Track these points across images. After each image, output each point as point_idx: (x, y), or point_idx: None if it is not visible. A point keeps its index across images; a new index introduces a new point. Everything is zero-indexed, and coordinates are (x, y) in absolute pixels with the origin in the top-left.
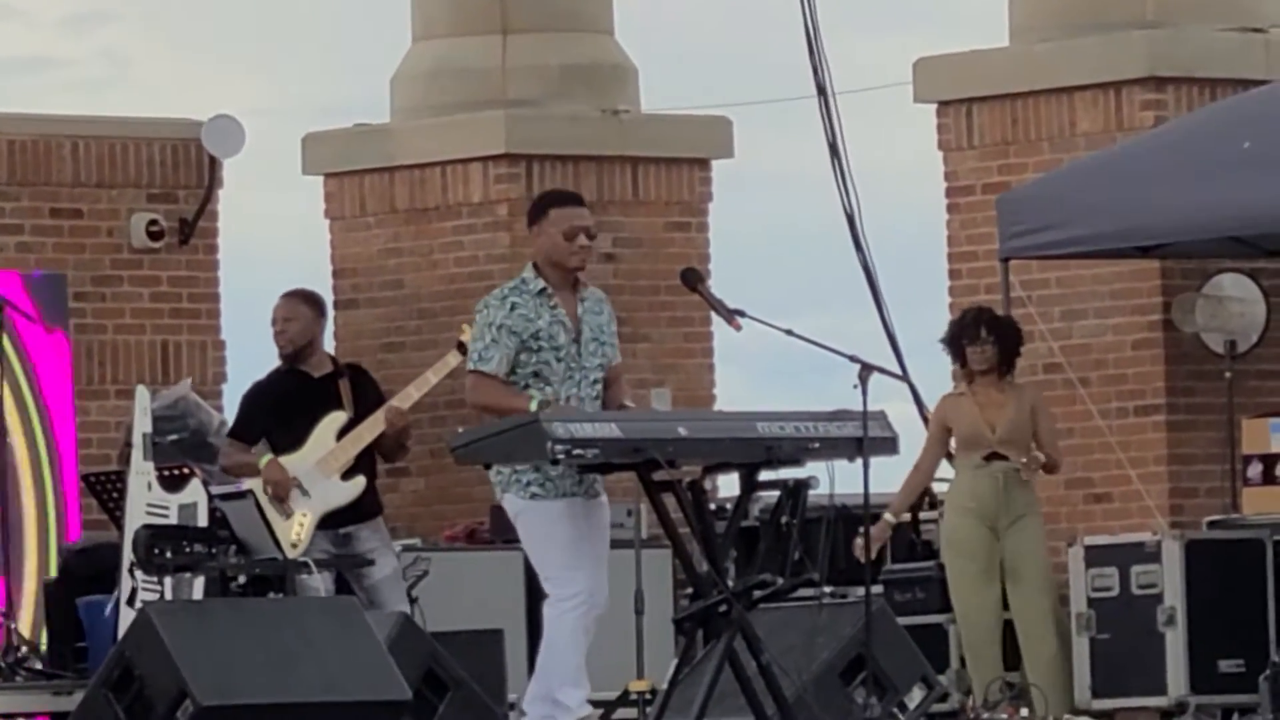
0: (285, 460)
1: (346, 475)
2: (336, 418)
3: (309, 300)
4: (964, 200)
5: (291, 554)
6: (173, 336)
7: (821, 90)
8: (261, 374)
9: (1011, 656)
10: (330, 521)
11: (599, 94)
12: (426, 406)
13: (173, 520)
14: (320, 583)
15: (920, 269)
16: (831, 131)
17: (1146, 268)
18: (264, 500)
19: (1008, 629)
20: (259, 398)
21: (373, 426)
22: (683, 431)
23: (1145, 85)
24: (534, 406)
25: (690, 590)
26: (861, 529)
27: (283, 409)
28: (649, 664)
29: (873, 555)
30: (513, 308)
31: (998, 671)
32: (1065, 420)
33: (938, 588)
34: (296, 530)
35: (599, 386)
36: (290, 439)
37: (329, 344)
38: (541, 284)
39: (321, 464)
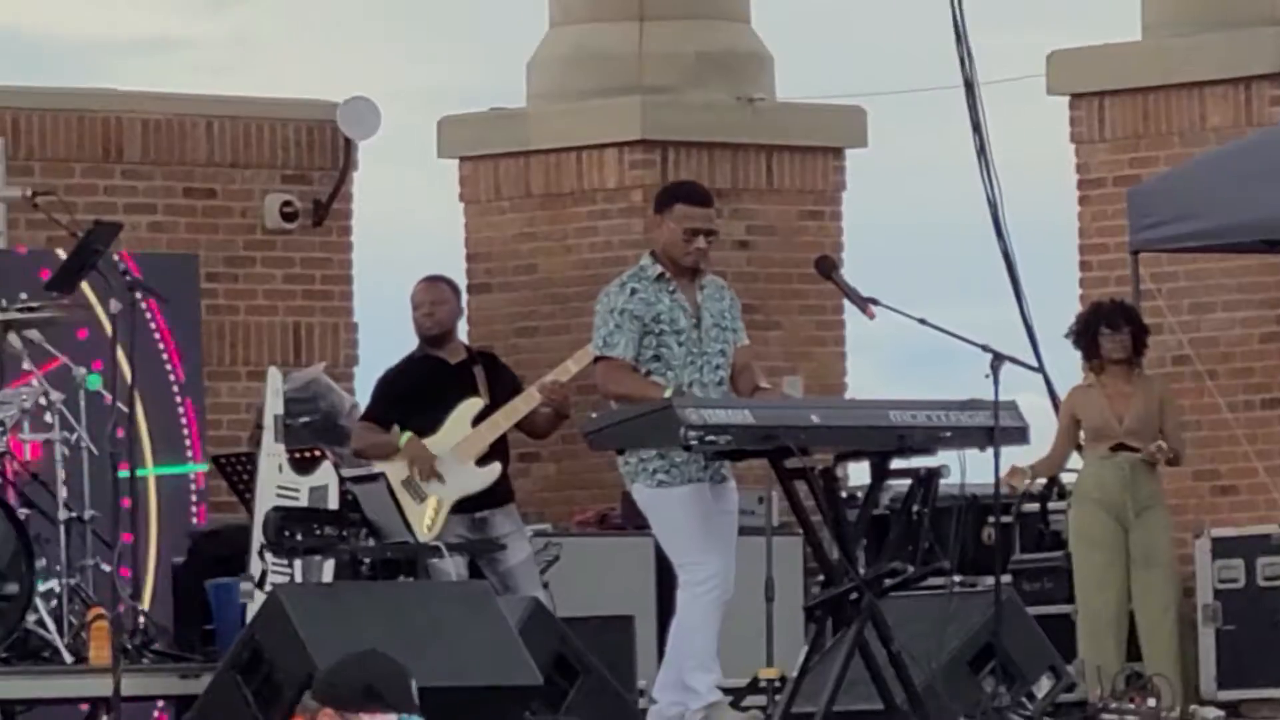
0: None
1: (482, 461)
2: (473, 404)
3: (452, 286)
4: (1095, 193)
5: (425, 538)
6: (305, 318)
7: (969, 84)
8: (393, 357)
9: (1134, 647)
10: (465, 506)
11: (734, 81)
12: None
13: (303, 503)
14: (453, 567)
15: (1051, 261)
16: (976, 122)
17: (1274, 262)
18: (396, 486)
19: (1131, 620)
20: (394, 383)
21: (510, 414)
22: (815, 419)
23: (1274, 81)
24: (668, 394)
25: (821, 578)
26: (992, 518)
27: (418, 395)
28: (779, 651)
29: (1004, 490)
30: (632, 292)
31: (1121, 662)
32: (1193, 413)
33: (1065, 578)
34: (431, 515)
35: (722, 373)
36: (425, 424)
37: (461, 328)
38: (659, 270)
39: (458, 449)
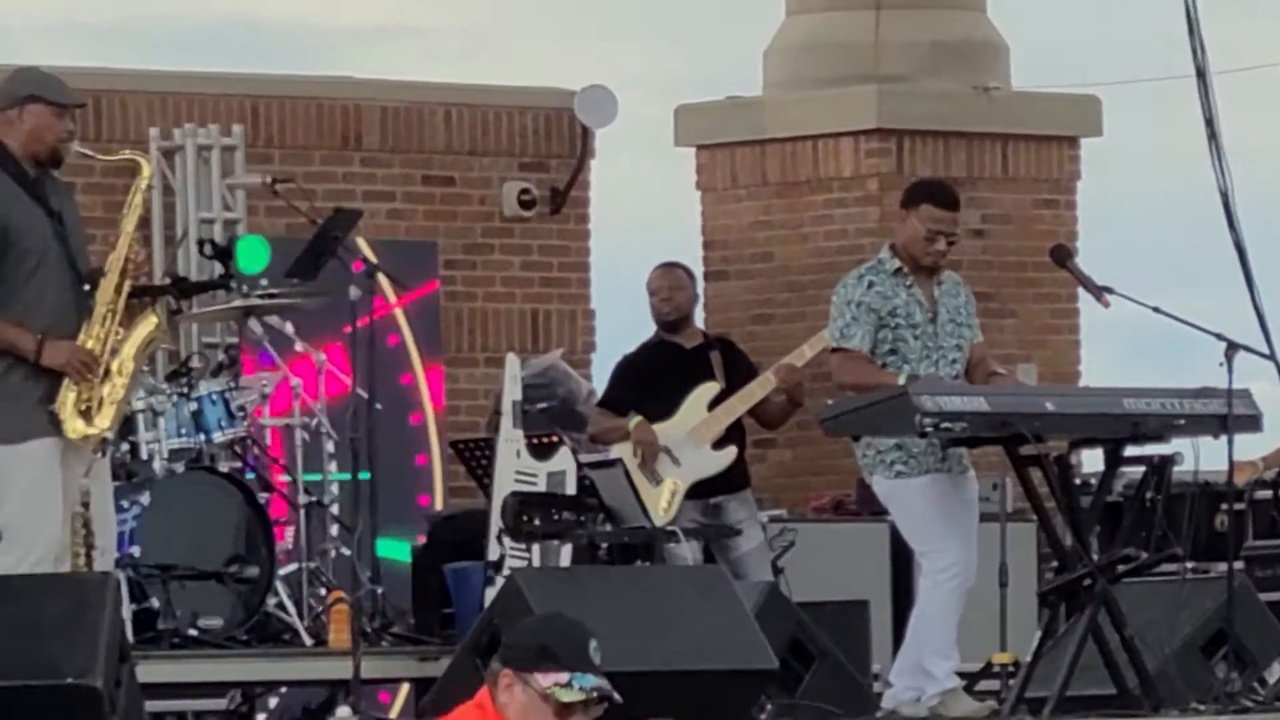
0: (657, 428)
1: (718, 445)
2: (709, 388)
3: (688, 273)
4: None
5: (661, 521)
6: (542, 305)
7: (1200, 73)
8: (630, 344)
9: None
10: (700, 491)
11: (970, 70)
12: None
13: (541, 488)
14: (689, 552)
15: None
16: (1208, 111)
17: None
18: (633, 470)
19: None
20: (631, 369)
21: (746, 398)
22: (1050, 406)
23: None
24: (902, 380)
25: (1055, 564)
26: (1225, 505)
27: (655, 380)
28: (1012, 636)
29: (1239, 484)
30: (870, 285)
31: None
32: None
33: None
34: (666, 498)
35: (957, 367)
36: (662, 409)
37: (698, 315)
38: (898, 264)
39: (694, 433)
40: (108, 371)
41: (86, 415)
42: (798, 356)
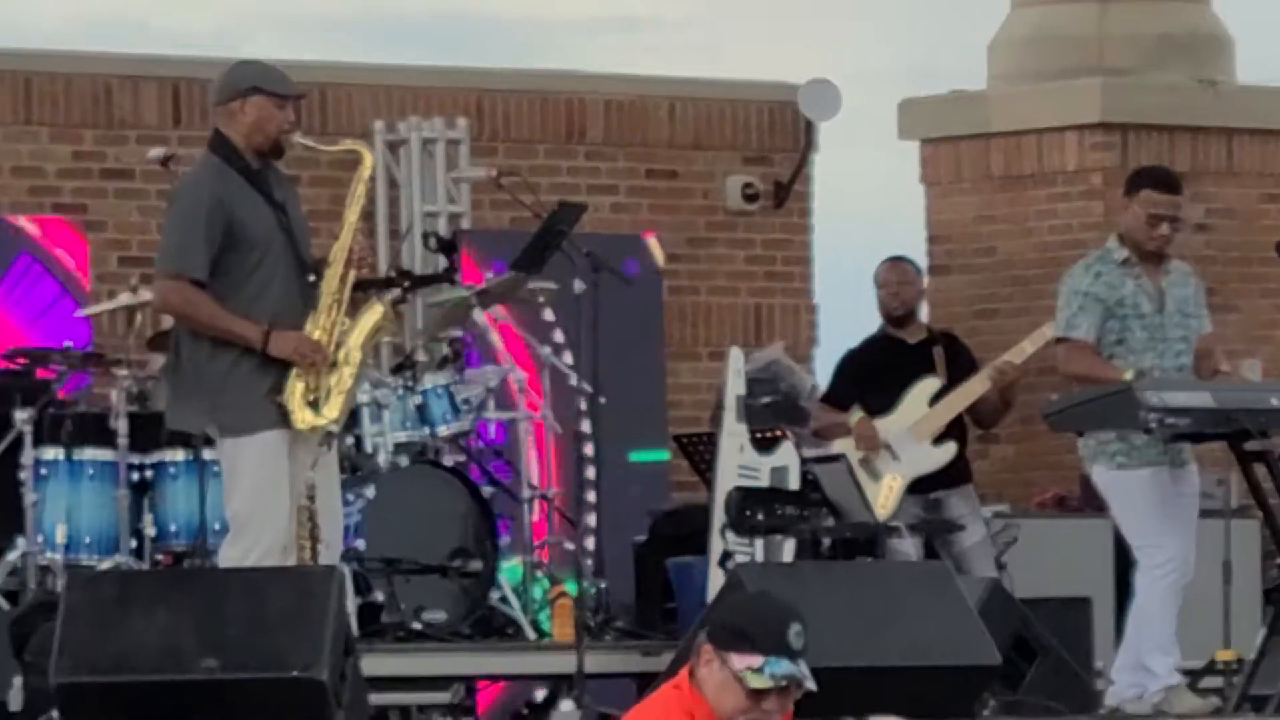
0: (877, 423)
1: (938, 441)
2: (930, 383)
3: (916, 267)
4: None
5: (880, 516)
6: (765, 299)
7: None
8: (852, 338)
9: None
10: (920, 486)
11: (1195, 64)
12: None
13: (764, 482)
14: (911, 547)
15: None
16: None
17: None
18: (855, 464)
19: None
20: (854, 363)
21: (966, 393)
22: (1275, 402)
23: None
24: (1128, 376)
25: (1279, 560)
26: None
27: (877, 374)
28: (1236, 634)
29: None
30: (1097, 275)
31: None
32: None
33: None
34: (886, 493)
35: (1183, 359)
36: (883, 404)
37: (922, 308)
38: (1125, 254)
39: (914, 428)
40: (335, 361)
41: (314, 405)
42: (1017, 353)
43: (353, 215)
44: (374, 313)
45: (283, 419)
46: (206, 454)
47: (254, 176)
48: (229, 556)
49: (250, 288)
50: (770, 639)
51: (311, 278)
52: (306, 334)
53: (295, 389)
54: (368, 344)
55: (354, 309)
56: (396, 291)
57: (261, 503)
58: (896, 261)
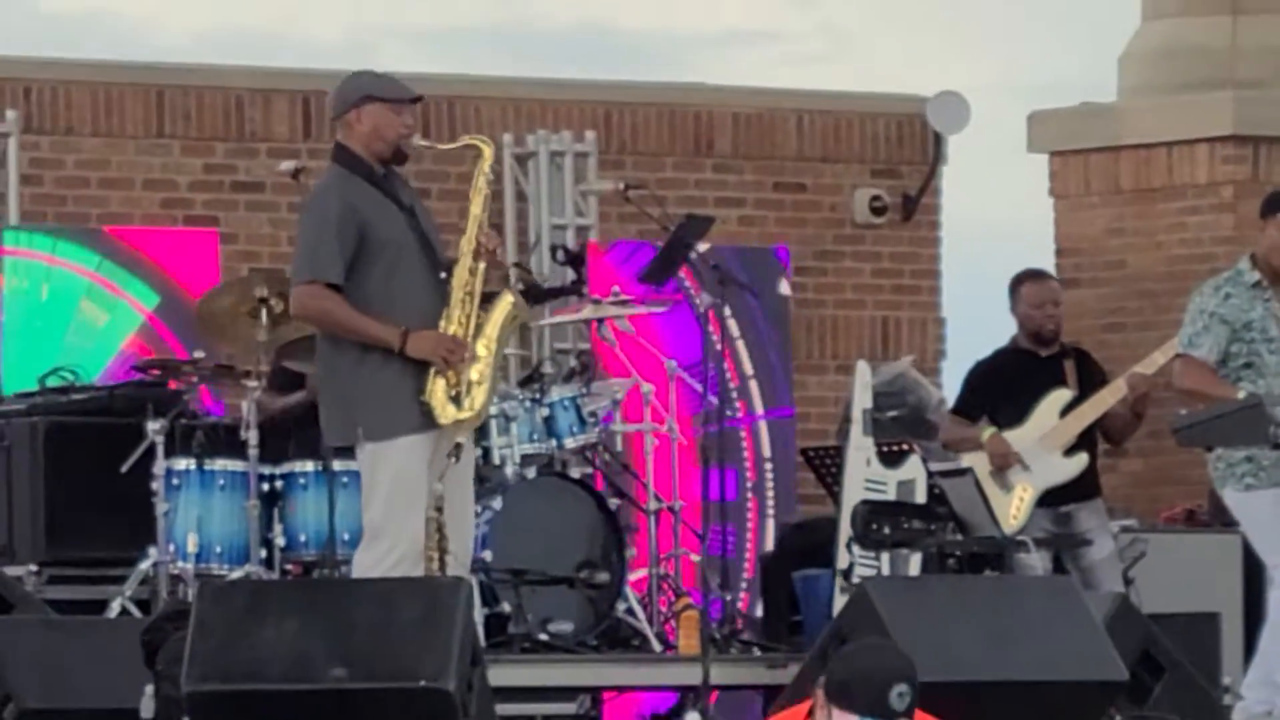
0: (1008, 435)
1: (1069, 453)
2: (1061, 395)
3: (1059, 283)
4: None
5: (1010, 528)
6: (893, 313)
7: None
8: (980, 352)
9: None
10: (1050, 499)
11: None
12: None
13: (891, 496)
14: (1038, 561)
15: None
16: None
17: None
18: (983, 477)
19: None
20: (984, 375)
21: (1097, 405)
22: None
23: None
24: (1242, 394)
25: None
26: None
27: (1008, 386)
28: None
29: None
30: (1226, 297)
31: None
32: None
33: None
34: (1016, 505)
35: None
36: (1014, 416)
37: None
38: (1257, 276)
39: (1044, 440)
40: (474, 354)
41: (457, 400)
42: (1149, 364)
43: (476, 208)
44: (505, 303)
45: (427, 421)
46: (336, 465)
47: (379, 182)
48: (363, 563)
49: (387, 291)
50: (872, 700)
51: (443, 274)
52: (443, 331)
53: (437, 387)
54: (505, 332)
55: (487, 300)
56: (521, 286)
57: (399, 509)
58: (1045, 279)
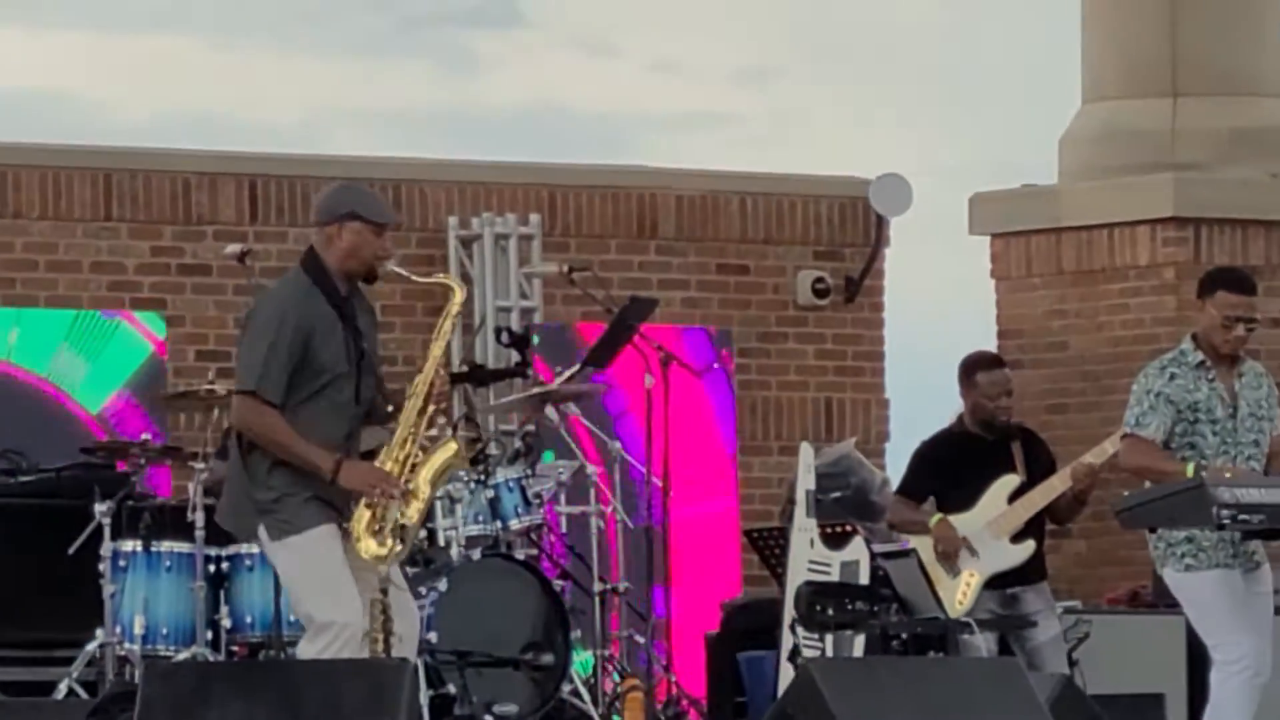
0: (955, 520)
1: (1016, 539)
2: (1009, 480)
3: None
4: None
5: (957, 612)
6: (836, 394)
7: None
8: (924, 433)
9: None
10: (997, 582)
11: (1269, 157)
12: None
13: (835, 577)
14: (983, 642)
15: None
16: None
17: None
18: (929, 562)
19: None
20: (931, 456)
21: (1045, 492)
22: None
23: None
24: (1190, 472)
25: None
26: None
27: (955, 469)
28: None
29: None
30: (1171, 377)
31: None
32: None
33: None
34: (963, 590)
35: (1254, 463)
36: (960, 499)
37: None
38: (1200, 357)
39: (992, 526)
40: (409, 493)
41: (379, 536)
42: (1098, 454)
43: (438, 350)
44: (447, 450)
45: (329, 513)
46: None
47: (340, 304)
48: (309, 652)
49: (308, 411)
50: None
51: (390, 408)
52: (378, 465)
53: (362, 517)
54: (437, 480)
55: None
56: (471, 434)
57: (328, 599)
58: (998, 367)
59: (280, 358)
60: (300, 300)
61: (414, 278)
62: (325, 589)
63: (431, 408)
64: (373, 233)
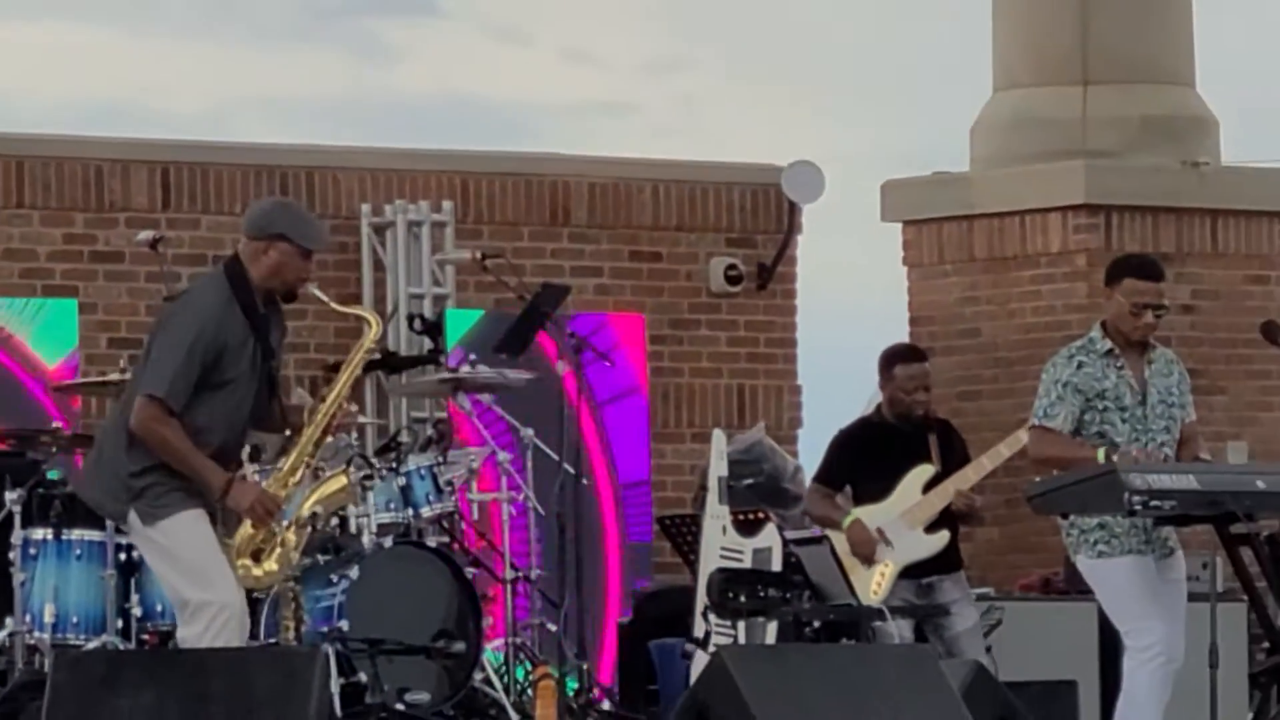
0: (870, 509)
1: (931, 529)
2: (924, 470)
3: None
4: None
5: (871, 602)
6: (749, 381)
7: None
8: (837, 421)
9: None
10: (913, 571)
11: (1179, 146)
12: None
13: (747, 564)
14: (897, 630)
15: None
16: None
17: None
18: (843, 553)
19: None
20: (848, 445)
21: (960, 482)
22: (1261, 485)
23: None
24: (1101, 457)
25: (1266, 644)
26: None
27: (872, 457)
28: (1223, 718)
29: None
30: (1079, 366)
31: None
32: None
33: None
34: (878, 580)
35: (1165, 450)
36: (876, 488)
37: None
38: (1108, 345)
39: (907, 516)
40: (287, 525)
41: (257, 557)
42: (994, 456)
43: (344, 379)
44: (338, 482)
45: (199, 499)
46: None
47: (255, 318)
48: (187, 637)
49: (200, 405)
50: None
51: (288, 433)
52: (268, 489)
53: (244, 534)
54: (325, 510)
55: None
56: (365, 473)
57: (207, 578)
58: (917, 361)
59: (191, 371)
60: (219, 313)
61: (333, 305)
62: (199, 570)
63: (330, 439)
64: (300, 255)
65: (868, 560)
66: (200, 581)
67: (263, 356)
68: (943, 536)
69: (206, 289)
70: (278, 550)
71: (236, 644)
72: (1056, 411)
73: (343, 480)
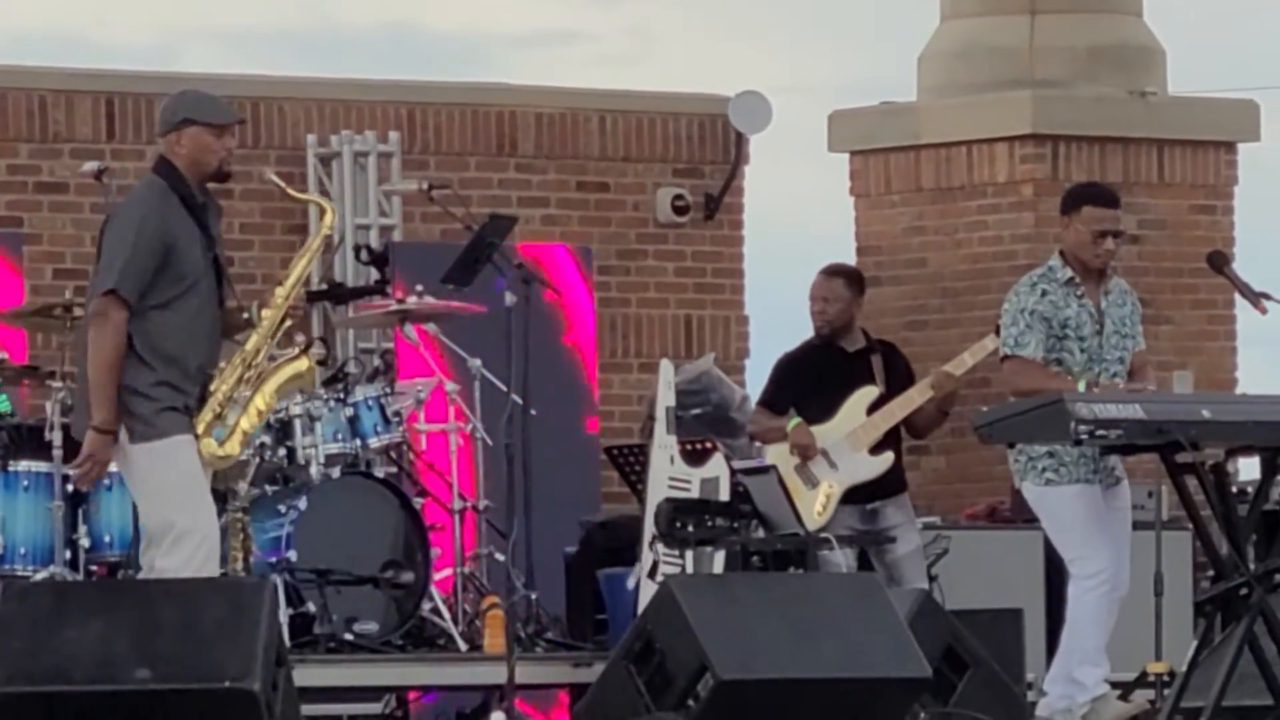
0: (815, 430)
1: (875, 450)
2: (868, 392)
3: (849, 278)
4: None
5: (815, 524)
6: (696, 311)
7: None
8: (784, 350)
9: None
10: (856, 496)
11: (1126, 75)
12: None
13: (694, 494)
14: (842, 558)
15: None
16: None
17: None
18: (788, 474)
19: None
20: (791, 368)
21: (904, 404)
22: (1206, 414)
23: None
24: (1081, 387)
25: (1210, 573)
26: None
27: (815, 381)
28: (1168, 646)
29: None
30: (1043, 294)
31: None
32: None
33: None
34: (822, 501)
35: (1118, 380)
36: (820, 411)
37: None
38: (1069, 274)
39: (851, 437)
40: (249, 403)
41: (216, 437)
42: (958, 364)
43: (303, 264)
44: (297, 365)
45: (190, 424)
46: None
47: (194, 208)
48: (170, 567)
49: (177, 316)
50: None
51: (246, 315)
52: (231, 366)
53: (205, 416)
54: (282, 391)
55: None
56: (322, 351)
57: (190, 505)
58: (828, 276)
59: (140, 260)
60: (158, 206)
61: (289, 190)
62: (188, 496)
63: (288, 322)
64: (213, 135)
65: (807, 460)
66: (189, 506)
67: (210, 246)
68: (886, 458)
69: (141, 189)
70: (236, 431)
71: (211, 574)
72: (1027, 340)
73: (304, 363)
